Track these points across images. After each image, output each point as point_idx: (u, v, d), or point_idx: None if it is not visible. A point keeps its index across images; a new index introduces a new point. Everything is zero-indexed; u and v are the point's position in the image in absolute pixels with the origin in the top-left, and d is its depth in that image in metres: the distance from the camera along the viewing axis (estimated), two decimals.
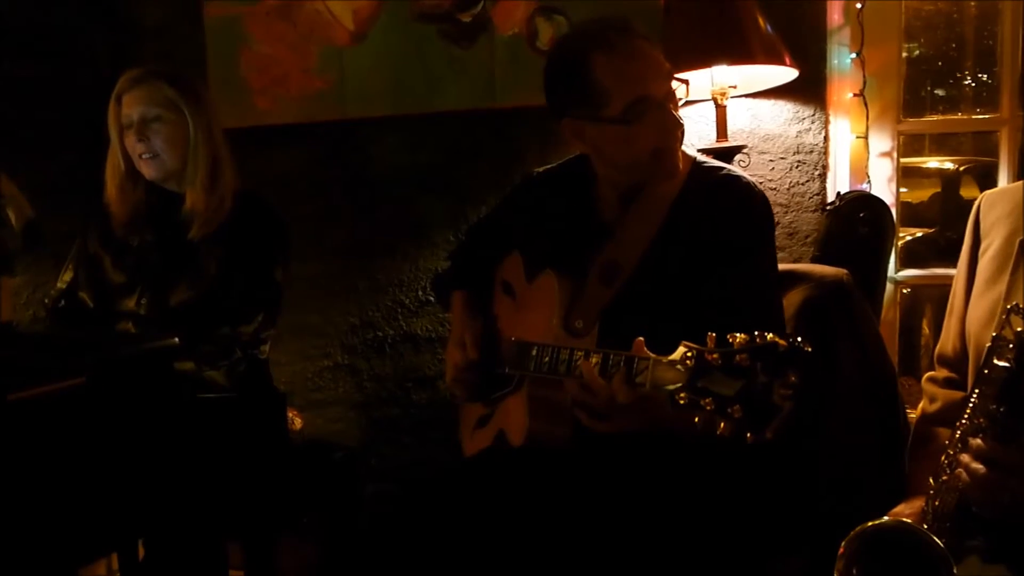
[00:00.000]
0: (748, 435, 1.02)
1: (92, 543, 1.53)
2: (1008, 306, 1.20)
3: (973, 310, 1.34)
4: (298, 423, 2.16)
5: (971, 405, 1.20)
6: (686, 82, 1.48)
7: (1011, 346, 1.16)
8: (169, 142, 1.90)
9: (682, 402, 1.07)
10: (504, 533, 1.43)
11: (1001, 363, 1.16)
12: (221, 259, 1.92)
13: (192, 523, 1.63)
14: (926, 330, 2.83)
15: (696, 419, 1.05)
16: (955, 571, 1.10)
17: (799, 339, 1.02)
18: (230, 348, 1.90)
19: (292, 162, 2.60)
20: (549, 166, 1.69)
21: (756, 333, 1.04)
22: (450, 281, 1.80)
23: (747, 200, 1.47)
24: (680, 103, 1.46)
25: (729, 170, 1.53)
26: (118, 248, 1.99)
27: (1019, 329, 1.16)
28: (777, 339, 1.02)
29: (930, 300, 2.78)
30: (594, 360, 1.27)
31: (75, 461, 1.42)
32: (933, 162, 3.61)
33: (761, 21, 2.03)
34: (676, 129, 1.45)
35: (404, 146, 2.54)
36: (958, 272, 1.42)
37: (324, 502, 2.03)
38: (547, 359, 1.40)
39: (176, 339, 1.63)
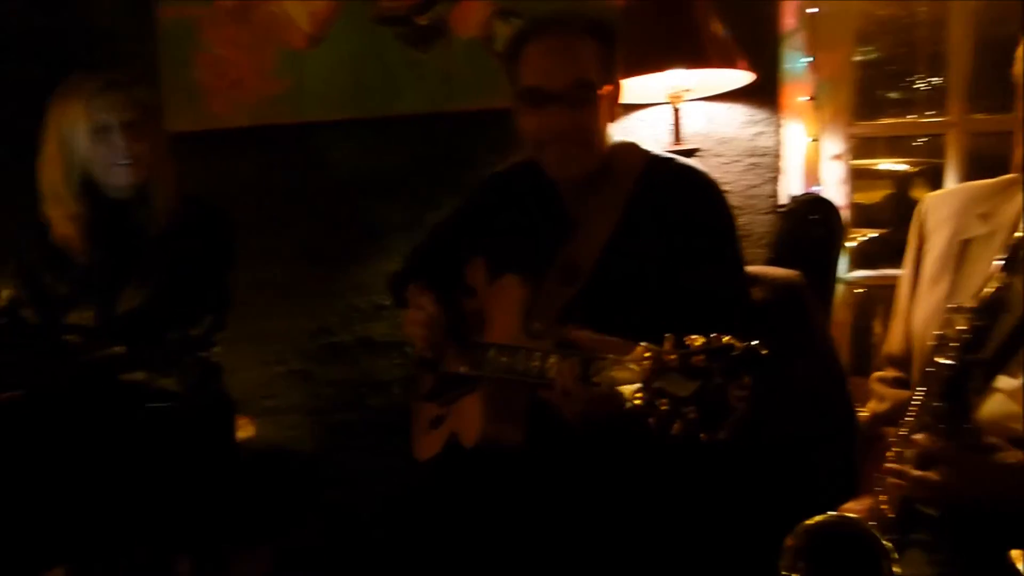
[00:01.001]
0: (702, 435, 1.02)
1: (36, 557, 1.49)
2: (951, 306, 1.22)
3: (917, 310, 1.36)
4: (251, 430, 2.12)
5: (916, 402, 1.22)
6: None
7: (953, 344, 1.18)
8: (148, 146, 1.87)
9: (638, 402, 1.07)
10: (464, 538, 1.42)
11: (944, 361, 1.19)
12: (168, 263, 1.88)
13: (139, 536, 1.59)
14: (878, 330, 2.87)
15: (651, 419, 1.05)
16: (897, 564, 1.12)
17: (755, 341, 1.03)
18: (180, 353, 1.86)
19: (248, 166, 2.56)
20: (510, 163, 1.67)
21: (713, 335, 1.04)
22: (405, 278, 1.73)
23: (704, 190, 1.48)
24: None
25: (681, 161, 1.53)
26: (59, 261, 1.92)
27: (960, 328, 1.18)
28: (733, 341, 1.03)
29: (882, 301, 2.82)
30: (551, 360, 1.27)
31: (16, 475, 1.38)
32: (886, 164, 3.66)
33: (717, 25, 2.05)
34: (563, 129, 1.44)
35: (361, 149, 2.52)
36: (903, 273, 1.44)
37: (278, 510, 2.00)
38: (504, 359, 1.39)
39: (123, 348, 1.60)
